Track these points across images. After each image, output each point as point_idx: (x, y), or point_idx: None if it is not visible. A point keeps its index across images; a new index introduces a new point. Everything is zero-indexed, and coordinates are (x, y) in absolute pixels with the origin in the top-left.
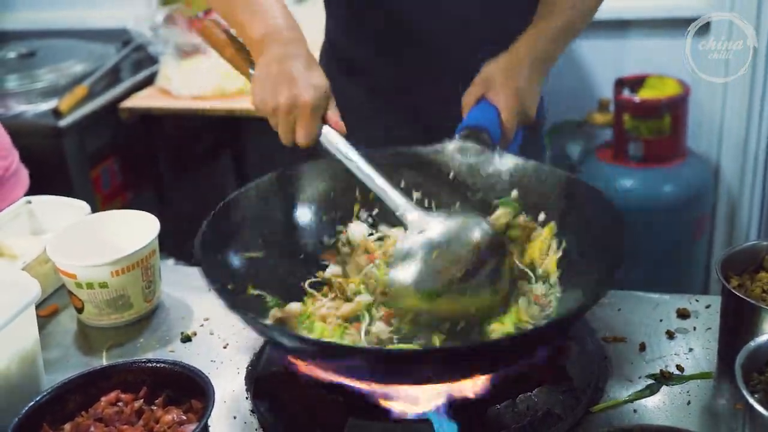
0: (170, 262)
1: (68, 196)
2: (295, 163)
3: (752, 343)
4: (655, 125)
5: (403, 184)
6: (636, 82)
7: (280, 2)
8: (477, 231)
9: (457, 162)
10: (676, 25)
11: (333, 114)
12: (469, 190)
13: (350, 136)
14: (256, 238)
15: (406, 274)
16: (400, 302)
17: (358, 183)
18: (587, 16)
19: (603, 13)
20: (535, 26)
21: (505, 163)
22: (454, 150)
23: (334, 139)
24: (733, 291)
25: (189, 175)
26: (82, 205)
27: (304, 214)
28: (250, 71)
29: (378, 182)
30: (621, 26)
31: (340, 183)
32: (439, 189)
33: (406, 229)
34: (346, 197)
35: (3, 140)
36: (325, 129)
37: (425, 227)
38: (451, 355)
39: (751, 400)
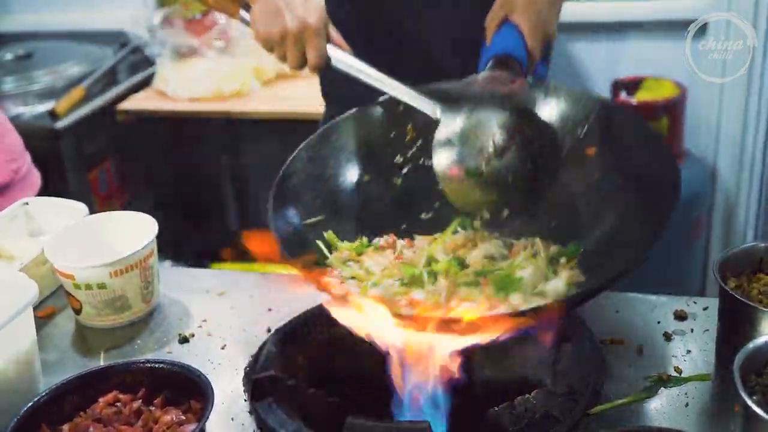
0: (167, 264)
1: (65, 197)
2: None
3: (750, 345)
4: (653, 127)
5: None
6: (633, 84)
7: None
8: (500, 115)
9: (490, 92)
10: (672, 27)
11: (334, 33)
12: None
13: None
14: (314, 200)
15: (448, 157)
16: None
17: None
18: None
19: (599, 15)
20: None
21: (537, 88)
22: (485, 80)
23: (343, 56)
24: (731, 292)
25: (186, 176)
26: (80, 207)
27: (353, 170)
28: (241, 12)
29: (399, 88)
30: (617, 28)
31: (382, 128)
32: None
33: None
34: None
35: (14, 142)
36: (332, 49)
37: (455, 119)
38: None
39: (749, 402)
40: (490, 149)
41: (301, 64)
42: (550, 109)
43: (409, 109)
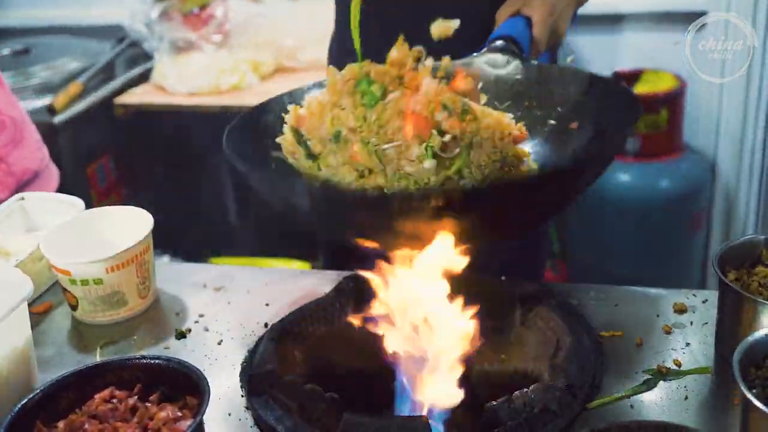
0: (165, 259)
1: (64, 192)
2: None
3: (750, 338)
4: (652, 120)
5: None
6: (632, 77)
7: None
8: None
9: (486, 73)
10: (672, 19)
11: None
12: (498, 99)
13: None
14: None
15: None
16: None
17: None
18: None
19: (599, 7)
20: None
21: (531, 70)
22: (482, 62)
23: None
24: (731, 285)
25: (184, 171)
26: (76, 202)
27: None
28: None
29: None
30: (617, 21)
31: None
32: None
33: None
34: None
35: (35, 131)
36: None
37: None
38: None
39: (749, 395)
40: None
41: None
42: (539, 89)
43: None
